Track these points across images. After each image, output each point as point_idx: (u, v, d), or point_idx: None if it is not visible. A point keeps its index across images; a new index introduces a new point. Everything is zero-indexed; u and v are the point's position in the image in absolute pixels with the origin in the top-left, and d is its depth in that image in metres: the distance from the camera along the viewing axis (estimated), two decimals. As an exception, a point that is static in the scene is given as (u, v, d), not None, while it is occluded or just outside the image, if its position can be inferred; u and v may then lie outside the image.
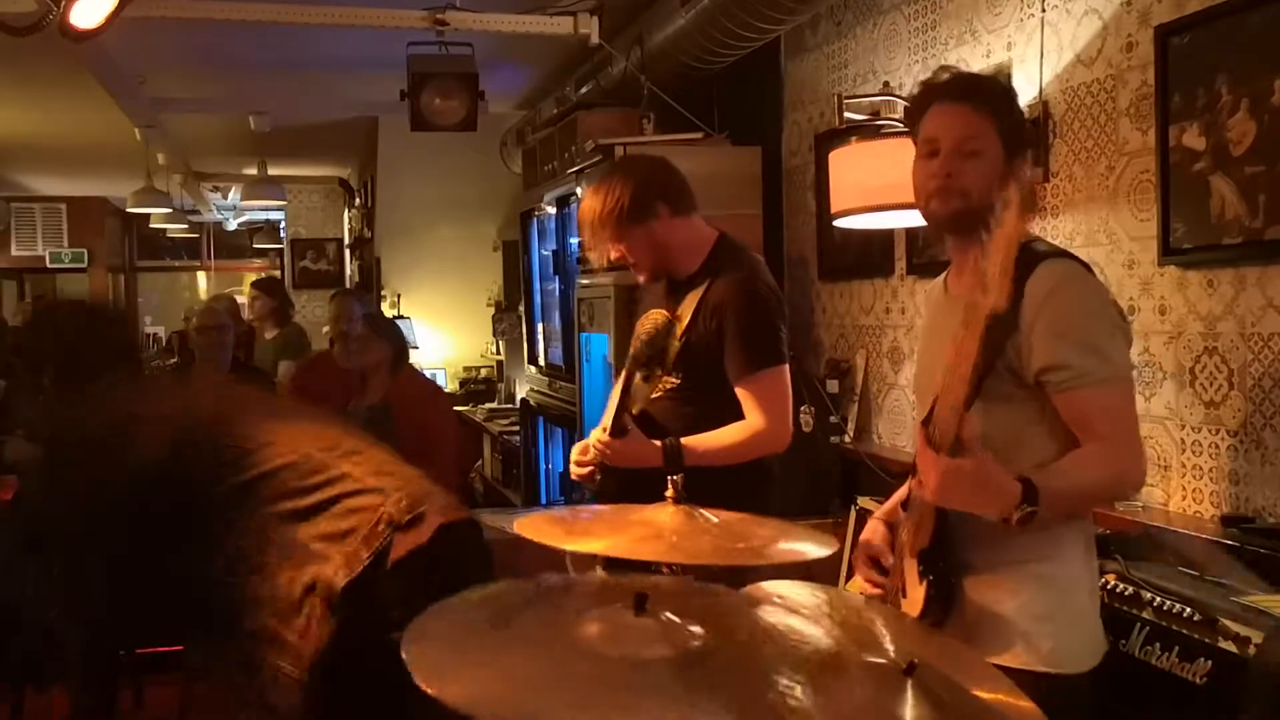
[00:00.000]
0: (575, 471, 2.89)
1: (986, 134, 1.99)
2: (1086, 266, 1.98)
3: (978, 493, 1.76)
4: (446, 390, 8.29)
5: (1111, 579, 2.35)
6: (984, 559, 1.94)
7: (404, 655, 1.20)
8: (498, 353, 8.69)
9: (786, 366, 2.78)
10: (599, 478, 2.79)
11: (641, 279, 2.94)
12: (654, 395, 2.81)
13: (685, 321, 2.76)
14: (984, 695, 1.44)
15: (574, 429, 5.14)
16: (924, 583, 1.92)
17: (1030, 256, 1.89)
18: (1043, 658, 1.89)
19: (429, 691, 1.11)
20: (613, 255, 2.89)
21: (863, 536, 2.20)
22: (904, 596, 2.01)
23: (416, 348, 7.88)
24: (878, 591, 2.14)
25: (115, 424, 2.29)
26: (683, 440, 2.70)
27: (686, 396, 2.77)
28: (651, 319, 2.86)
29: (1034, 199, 1.61)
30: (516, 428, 6.76)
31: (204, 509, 2.21)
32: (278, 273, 12.76)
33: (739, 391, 2.72)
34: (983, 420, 1.82)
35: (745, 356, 2.71)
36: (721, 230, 2.91)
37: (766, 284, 2.81)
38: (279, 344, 6.77)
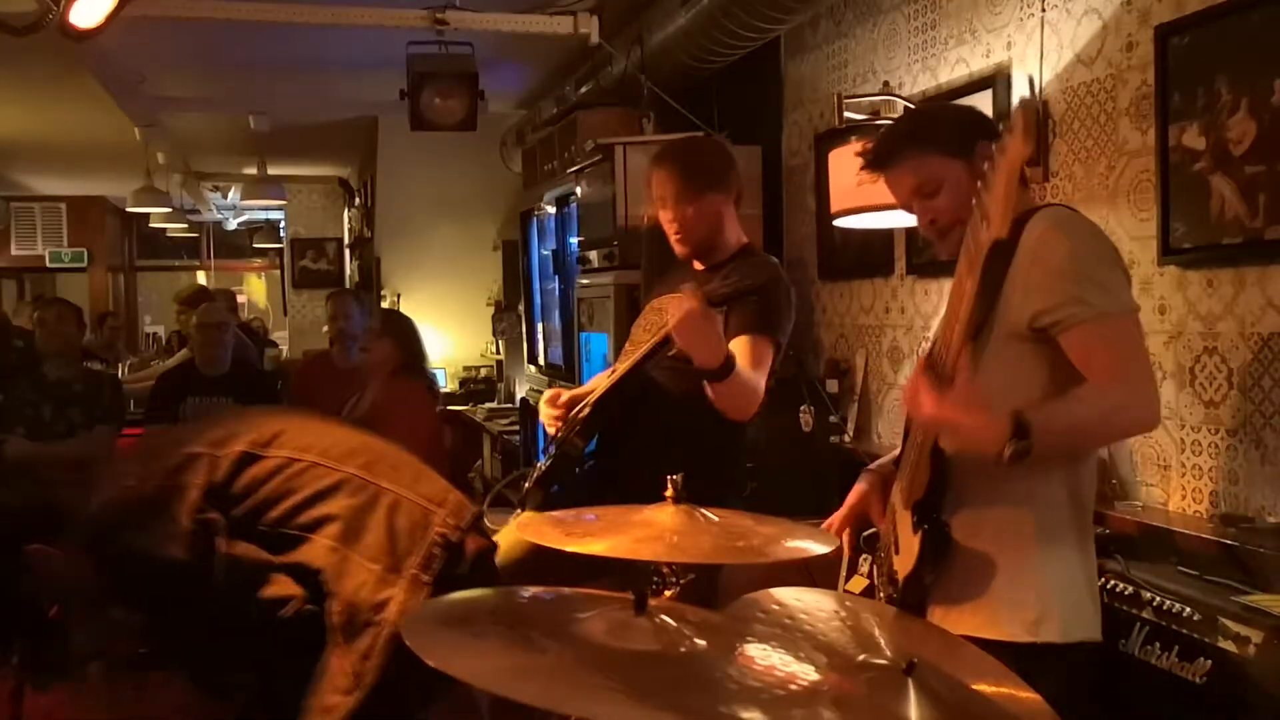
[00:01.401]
0: (546, 413, 3.05)
1: (925, 169, 2.01)
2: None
3: (969, 423, 1.74)
4: (445, 390, 8.29)
5: (1111, 579, 2.35)
6: (975, 513, 1.93)
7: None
8: (498, 352, 8.68)
9: (778, 345, 2.79)
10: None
11: (681, 251, 2.95)
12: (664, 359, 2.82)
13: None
14: (986, 689, 1.45)
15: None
16: (918, 534, 1.91)
17: (1026, 209, 1.91)
18: (1027, 625, 1.89)
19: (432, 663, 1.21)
20: (662, 214, 2.89)
21: (853, 492, 2.20)
22: (896, 553, 2.00)
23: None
24: (849, 551, 2.17)
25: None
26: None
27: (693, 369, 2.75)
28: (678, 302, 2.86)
29: (1035, 122, 1.58)
30: (516, 428, 6.75)
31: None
32: (277, 272, 12.76)
33: (733, 344, 2.66)
34: (982, 379, 1.82)
35: (752, 320, 2.73)
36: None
37: (788, 284, 2.90)
38: None
